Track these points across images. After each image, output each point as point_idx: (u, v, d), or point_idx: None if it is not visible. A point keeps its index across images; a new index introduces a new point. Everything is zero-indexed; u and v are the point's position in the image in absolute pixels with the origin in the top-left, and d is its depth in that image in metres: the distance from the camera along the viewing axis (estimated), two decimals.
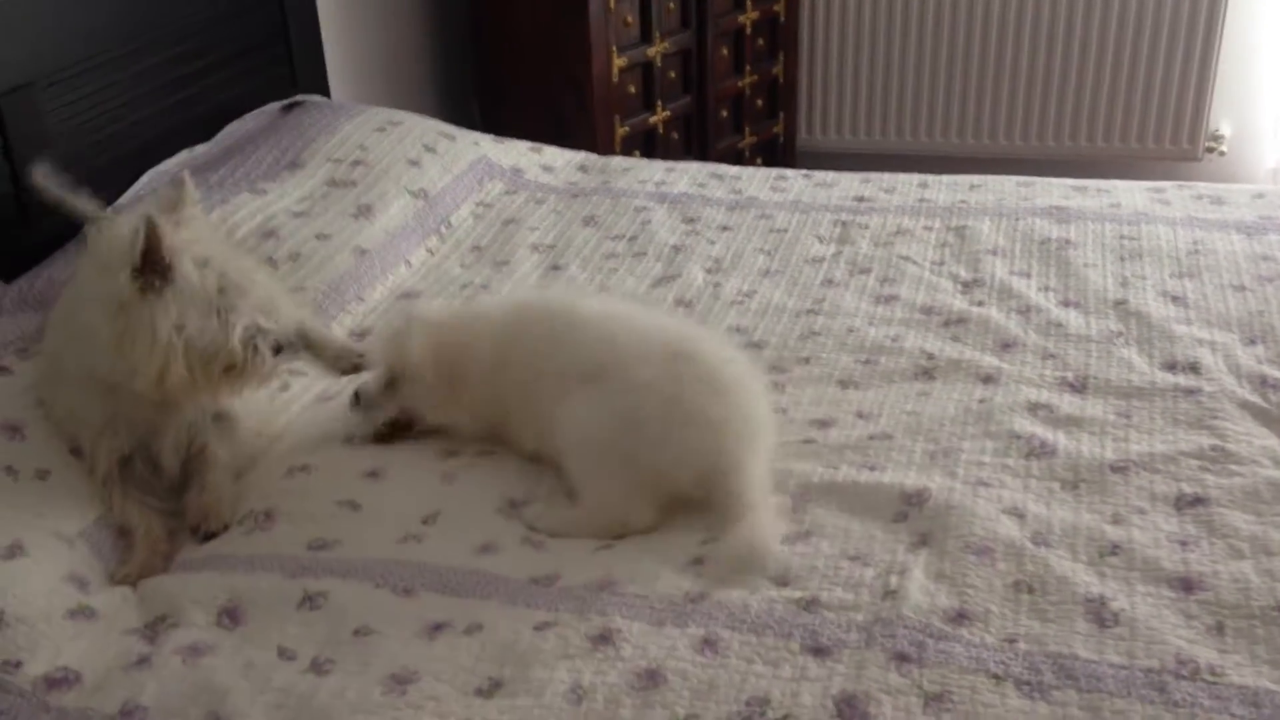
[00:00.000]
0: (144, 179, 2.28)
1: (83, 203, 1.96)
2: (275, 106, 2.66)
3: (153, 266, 1.52)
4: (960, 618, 1.34)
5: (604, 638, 1.33)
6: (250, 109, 2.60)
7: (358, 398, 1.74)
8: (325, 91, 2.87)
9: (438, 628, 1.37)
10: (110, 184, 2.20)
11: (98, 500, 1.61)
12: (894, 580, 1.39)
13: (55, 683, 1.30)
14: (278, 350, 1.61)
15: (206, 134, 2.49)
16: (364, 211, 2.34)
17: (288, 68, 2.74)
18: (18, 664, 1.31)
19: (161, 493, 1.66)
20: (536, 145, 2.85)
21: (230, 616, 1.40)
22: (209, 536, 1.59)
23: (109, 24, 2.21)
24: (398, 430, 1.75)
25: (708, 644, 1.32)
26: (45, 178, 1.95)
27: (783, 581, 1.42)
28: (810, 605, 1.37)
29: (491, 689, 1.28)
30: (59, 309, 1.73)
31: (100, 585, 1.48)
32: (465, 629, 1.37)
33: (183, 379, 1.55)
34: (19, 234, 2.09)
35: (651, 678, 1.27)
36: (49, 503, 1.56)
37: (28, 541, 1.45)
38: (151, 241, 1.51)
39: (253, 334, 1.59)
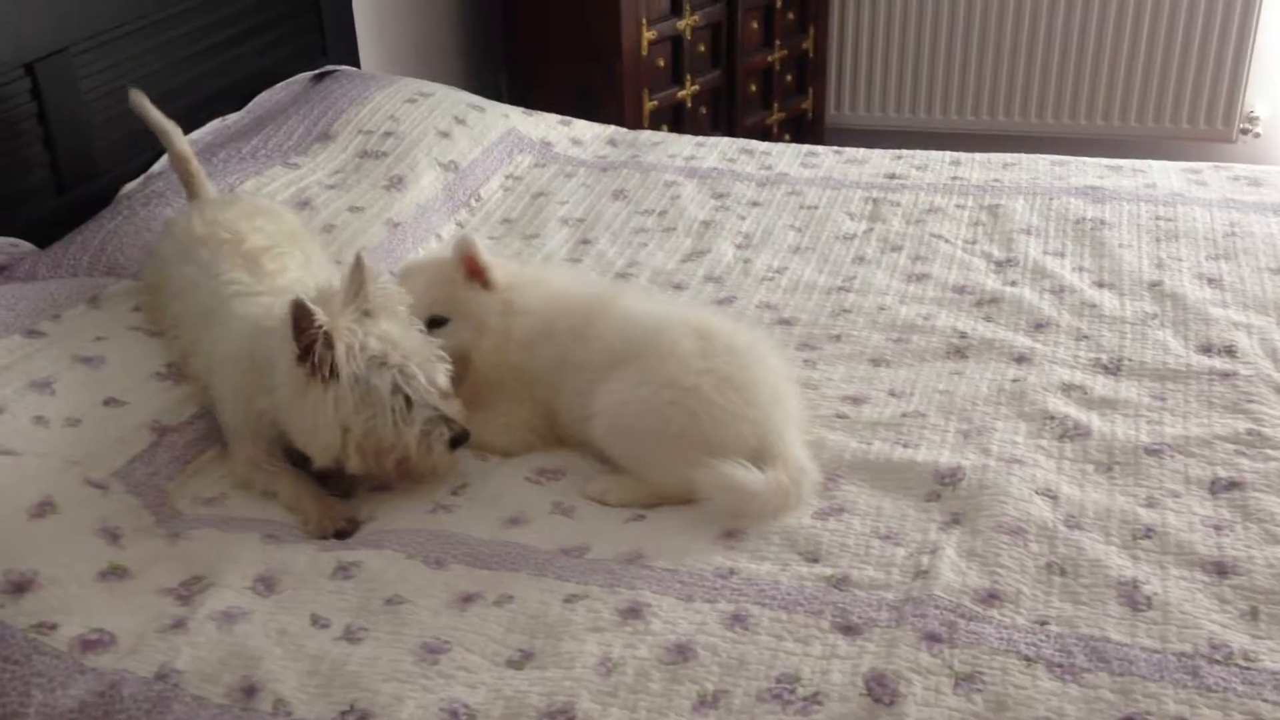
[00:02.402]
0: None
1: (175, 135, 2.02)
2: (306, 76, 2.66)
3: (313, 360, 1.48)
4: (991, 598, 1.33)
5: (633, 611, 1.33)
6: (281, 78, 2.60)
7: None
8: (355, 62, 2.87)
9: (468, 599, 1.38)
10: (144, 151, 2.20)
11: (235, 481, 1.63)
12: (925, 560, 1.39)
13: (90, 644, 1.31)
14: (455, 444, 1.55)
15: (238, 102, 2.49)
16: (395, 183, 2.34)
17: (318, 37, 2.73)
18: (53, 626, 1.32)
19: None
20: (566, 118, 2.84)
21: (265, 584, 1.41)
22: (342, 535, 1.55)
23: None
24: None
25: (737, 620, 1.32)
26: (141, 101, 2.00)
27: (813, 558, 1.41)
28: (841, 583, 1.37)
29: (522, 660, 1.29)
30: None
31: (133, 533, 1.48)
32: (495, 600, 1.37)
33: (357, 465, 1.53)
34: (53, 200, 2.10)
35: (681, 652, 1.28)
36: (80, 446, 1.57)
37: (58, 496, 1.46)
38: (303, 330, 1.47)
39: (430, 429, 1.53)
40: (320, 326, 1.47)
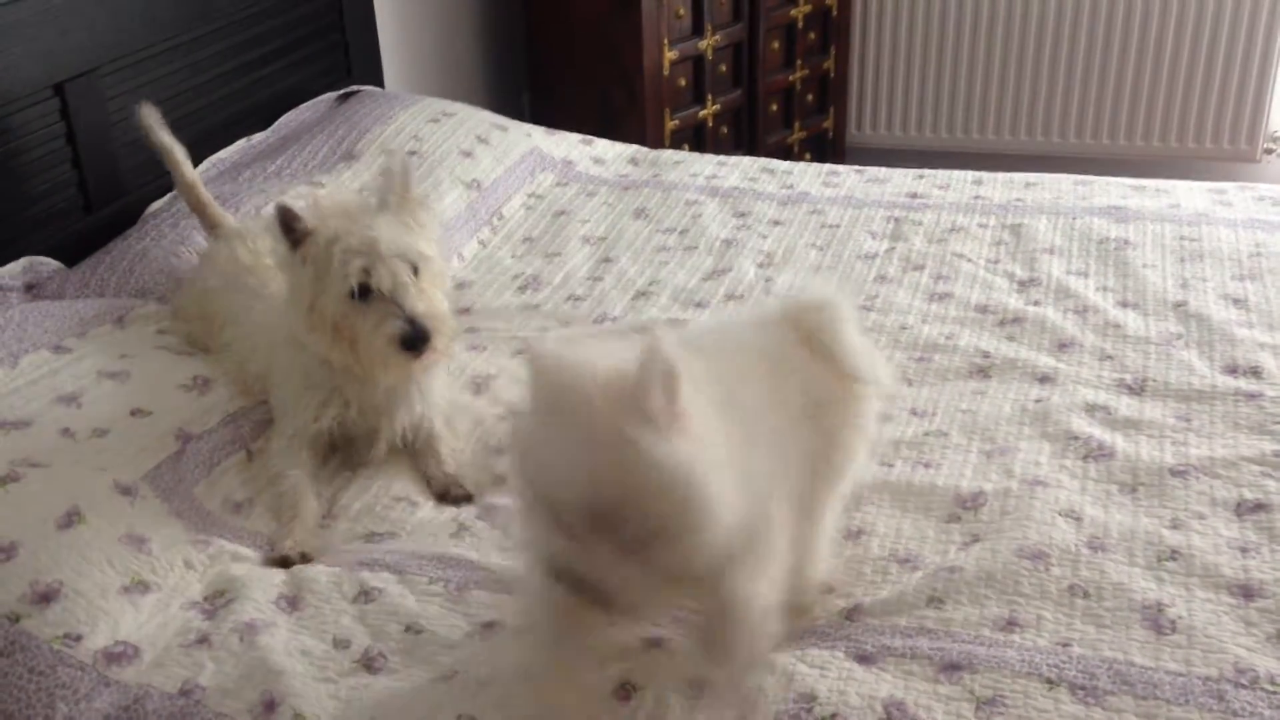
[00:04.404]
0: (202, 166, 2.31)
1: (182, 159, 2.03)
2: (331, 96, 2.69)
3: (292, 239, 1.59)
4: (1011, 625, 1.32)
5: (654, 642, 1.33)
6: (306, 98, 2.62)
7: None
8: (379, 82, 2.89)
9: (488, 625, 1.37)
10: (168, 171, 2.22)
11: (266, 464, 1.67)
12: (940, 587, 1.38)
13: (114, 657, 1.32)
14: (406, 344, 1.57)
15: (264, 122, 2.51)
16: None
17: (343, 57, 2.76)
18: (78, 637, 1.33)
19: (329, 475, 1.70)
20: (587, 137, 2.86)
21: (289, 602, 1.42)
22: (457, 501, 1.63)
23: (169, 12, 2.24)
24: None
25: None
26: (150, 120, 2.01)
27: (828, 588, 1.41)
28: (853, 614, 1.36)
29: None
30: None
31: (160, 541, 1.48)
32: (515, 628, 1.36)
33: (321, 344, 1.61)
34: (81, 219, 2.12)
35: (698, 684, 1.26)
36: (108, 454, 1.58)
37: (84, 505, 1.47)
38: (285, 218, 1.58)
39: (383, 320, 1.57)
40: (301, 223, 1.57)
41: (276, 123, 2.53)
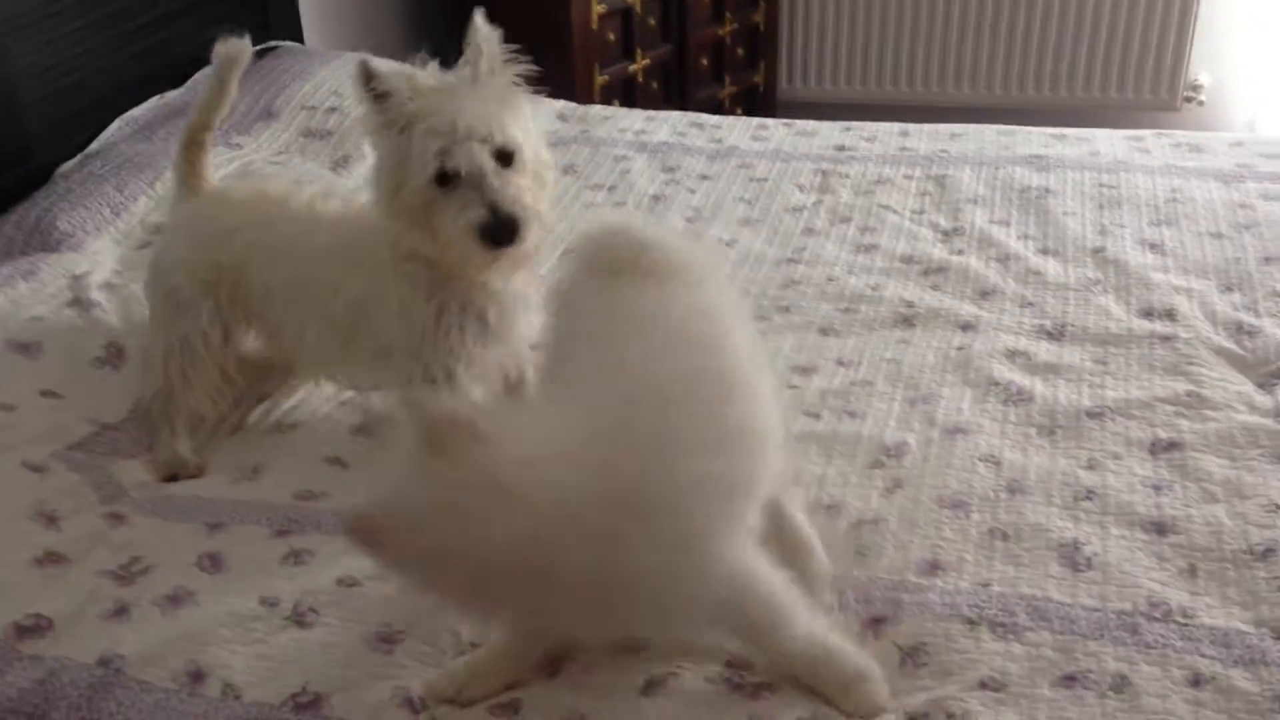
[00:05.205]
0: (114, 125, 2.25)
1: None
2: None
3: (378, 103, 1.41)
4: (934, 569, 1.34)
5: None
6: None
7: None
8: (299, 38, 2.83)
9: None
10: (80, 130, 2.16)
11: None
12: (866, 535, 1.39)
13: (26, 630, 1.29)
14: (489, 235, 1.39)
15: (178, 80, 2.45)
16: (342, 163, 2.32)
17: (261, 13, 2.69)
18: None
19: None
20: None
21: (211, 561, 1.40)
22: None
23: None
24: None
25: None
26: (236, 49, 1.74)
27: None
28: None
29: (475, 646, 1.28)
30: None
31: (72, 516, 1.46)
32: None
33: (418, 236, 1.43)
34: None
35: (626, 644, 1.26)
36: (20, 430, 1.55)
37: None
38: (365, 73, 1.41)
39: (464, 210, 1.39)
40: (380, 80, 1.40)
41: (191, 80, 2.46)
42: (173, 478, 1.59)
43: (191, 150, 1.71)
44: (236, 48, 1.69)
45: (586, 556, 1.00)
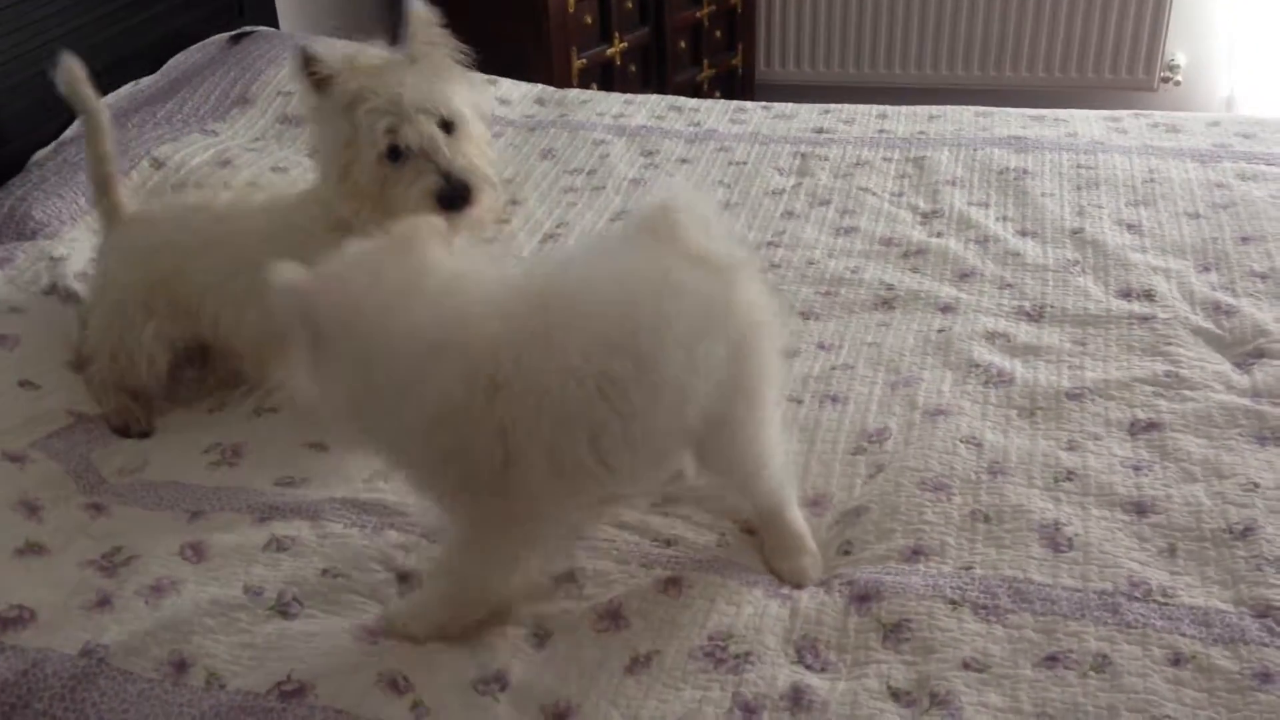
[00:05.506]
0: None
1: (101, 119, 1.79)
2: (223, 38, 2.60)
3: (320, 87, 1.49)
4: (916, 554, 1.35)
5: (569, 577, 1.33)
6: (196, 40, 2.53)
7: None
8: (273, 22, 2.80)
9: (404, 576, 1.36)
10: (54, 117, 2.14)
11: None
12: (849, 532, 1.40)
13: (9, 622, 1.28)
14: (445, 201, 1.46)
15: (152, 65, 2.42)
16: (317, 150, 2.29)
17: None
18: None
19: None
20: (492, 78, 2.80)
21: (195, 550, 1.39)
22: None
23: None
24: None
25: (671, 584, 1.32)
26: (73, 72, 1.75)
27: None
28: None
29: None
30: None
31: (52, 506, 1.45)
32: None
33: (371, 215, 1.48)
34: None
35: (613, 617, 1.28)
36: None
37: None
38: (304, 58, 1.48)
39: (416, 178, 1.47)
40: (321, 64, 1.47)
41: (165, 65, 2.44)
42: (124, 428, 1.63)
43: (102, 186, 1.73)
44: (68, 67, 1.71)
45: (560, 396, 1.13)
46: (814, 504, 1.46)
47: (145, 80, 2.39)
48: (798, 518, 1.38)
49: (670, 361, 1.16)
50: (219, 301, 1.62)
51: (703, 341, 1.18)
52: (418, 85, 1.48)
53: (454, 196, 1.47)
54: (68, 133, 2.17)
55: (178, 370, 1.72)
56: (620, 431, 1.16)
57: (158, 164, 2.11)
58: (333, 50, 1.50)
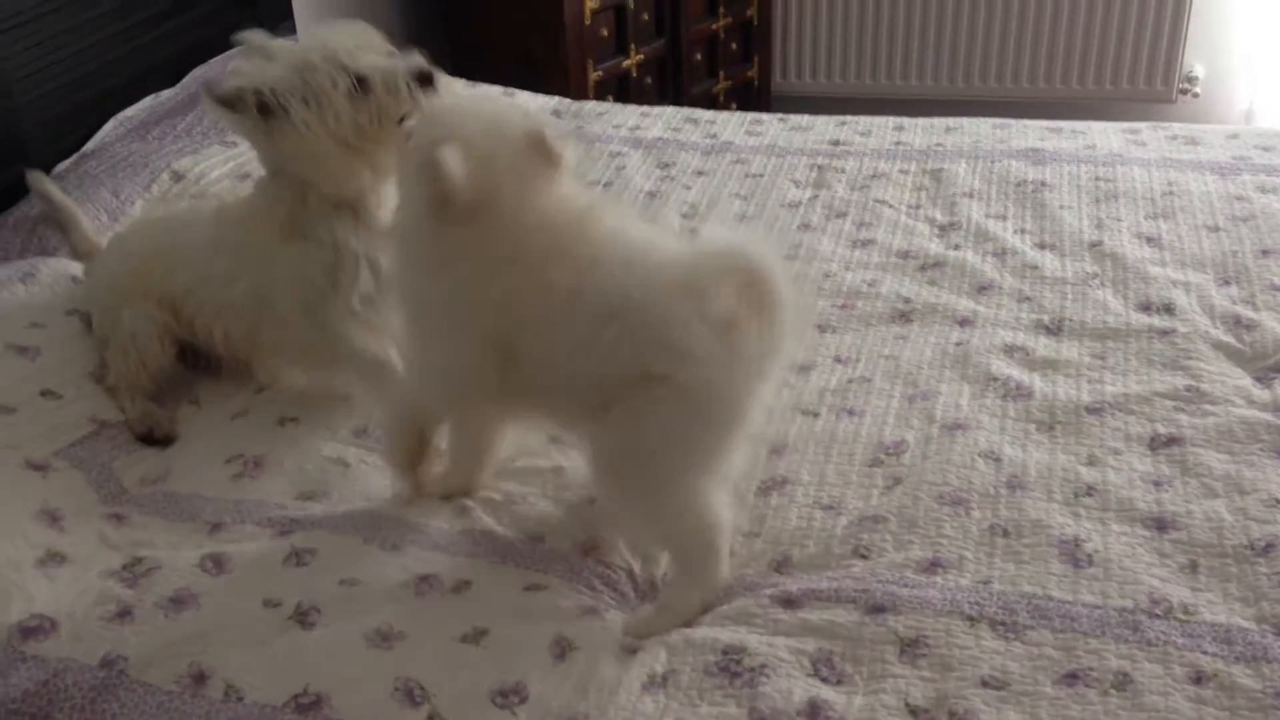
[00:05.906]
0: (109, 125, 2.25)
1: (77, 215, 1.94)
2: None
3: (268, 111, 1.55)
4: (934, 566, 1.34)
5: (592, 610, 1.33)
6: (216, 53, 2.54)
7: None
8: (292, 30, 2.81)
9: (424, 580, 1.36)
10: (74, 130, 2.16)
11: None
12: (866, 537, 1.40)
13: (30, 631, 1.29)
14: (423, 80, 1.56)
15: (172, 79, 2.44)
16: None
17: (253, 11, 2.68)
18: None
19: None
20: (509, 90, 2.81)
21: (215, 562, 1.39)
22: None
23: None
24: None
25: None
26: (40, 183, 1.95)
27: (755, 534, 1.41)
28: (781, 566, 1.38)
29: (477, 635, 1.28)
30: None
31: (75, 512, 1.46)
32: (453, 586, 1.35)
33: (375, 153, 1.57)
34: None
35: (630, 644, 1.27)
36: (20, 430, 1.55)
37: None
38: (222, 98, 1.54)
39: (389, 80, 1.56)
40: (243, 91, 1.53)
41: (185, 78, 2.46)
42: (148, 434, 1.64)
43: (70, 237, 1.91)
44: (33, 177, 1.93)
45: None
46: (829, 509, 1.45)
47: (165, 93, 2.41)
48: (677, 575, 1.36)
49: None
50: (196, 310, 1.70)
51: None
52: (334, 36, 1.58)
53: (429, 72, 1.57)
54: (88, 145, 2.19)
55: (190, 364, 1.76)
56: None
57: (178, 176, 2.12)
58: (232, 65, 1.59)
